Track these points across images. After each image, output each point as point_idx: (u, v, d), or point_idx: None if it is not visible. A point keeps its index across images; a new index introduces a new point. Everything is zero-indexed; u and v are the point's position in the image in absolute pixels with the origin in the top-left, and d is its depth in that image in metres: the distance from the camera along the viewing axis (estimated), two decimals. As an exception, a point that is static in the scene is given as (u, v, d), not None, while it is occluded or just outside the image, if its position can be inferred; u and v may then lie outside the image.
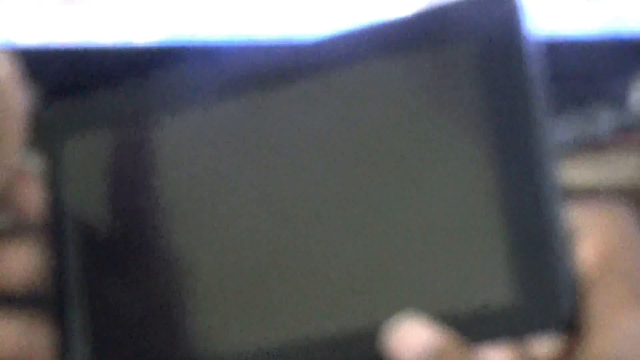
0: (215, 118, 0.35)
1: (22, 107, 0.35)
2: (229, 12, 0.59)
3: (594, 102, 0.34)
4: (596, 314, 0.32)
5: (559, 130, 0.34)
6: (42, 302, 0.38)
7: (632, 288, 0.32)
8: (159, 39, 0.55)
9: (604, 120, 0.34)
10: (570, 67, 0.62)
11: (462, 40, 0.32)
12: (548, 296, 0.31)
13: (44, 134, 0.38)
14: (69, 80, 0.48)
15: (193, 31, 0.58)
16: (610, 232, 0.33)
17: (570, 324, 0.31)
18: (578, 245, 0.32)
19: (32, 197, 0.37)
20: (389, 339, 0.32)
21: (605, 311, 0.32)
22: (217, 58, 0.35)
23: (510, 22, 0.32)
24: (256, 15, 0.59)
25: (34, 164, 0.38)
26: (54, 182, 0.37)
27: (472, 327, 0.31)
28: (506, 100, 0.32)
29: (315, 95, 0.34)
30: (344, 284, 0.33)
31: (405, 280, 0.32)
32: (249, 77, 0.35)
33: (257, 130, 0.35)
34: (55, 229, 0.37)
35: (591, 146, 0.65)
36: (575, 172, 0.65)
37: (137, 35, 0.57)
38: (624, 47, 0.60)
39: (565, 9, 0.59)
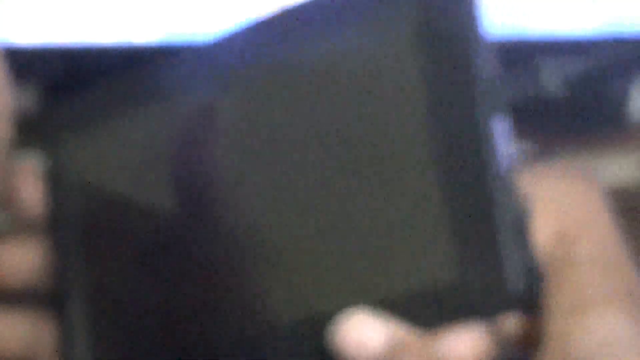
0: (211, 108, 0.35)
1: (9, 104, 0.35)
2: (228, 12, 0.59)
3: (537, 59, 0.32)
4: (554, 317, 0.29)
5: (503, 91, 0.31)
6: (46, 300, 0.38)
7: (595, 277, 0.28)
8: (159, 39, 0.55)
9: (549, 76, 0.32)
10: (570, 67, 0.62)
11: (402, 11, 0.31)
12: (496, 274, 0.29)
13: (44, 131, 0.38)
14: (69, 80, 0.48)
15: (193, 31, 0.58)
16: (568, 210, 0.29)
17: (528, 303, 0.29)
18: (534, 225, 0.29)
19: (32, 195, 0.37)
20: (337, 340, 0.31)
21: (563, 314, 0.28)
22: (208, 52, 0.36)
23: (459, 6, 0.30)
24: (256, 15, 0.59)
25: (34, 163, 0.38)
26: (56, 179, 0.37)
27: (422, 309, 0.30)
28: (448, 70, 0.30)
29: (260, 87, 0.34)
30: (284, 273, 0.32)
31: (351, 265, 0.31)
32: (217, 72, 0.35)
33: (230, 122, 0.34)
34: (57, 226, 0.37)
35: (591, 146, 0.65)
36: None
37: (136, 35, 0.57)
38: (624, 47, 0.60)
39: (565, 9, 0.59)
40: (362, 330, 0.30)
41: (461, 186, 0.30)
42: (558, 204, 0.29)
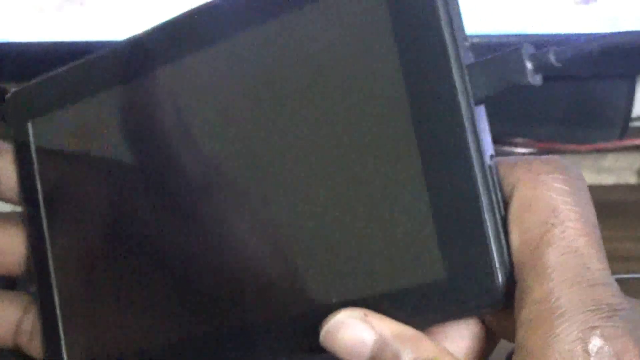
0: (171, 83, 0.35)
1: None
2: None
3: (517, 48, 0.30)
4: (520, 327, 0.28)
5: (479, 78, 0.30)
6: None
7: (561, 288, 0.27)
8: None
9: (527, 66, 0.30)
10: (570, 67, 0.62)
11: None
12: (478, 271, 0.29)
13: (11, 117, 0.38)
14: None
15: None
16: (541, 210, 0.28)
17: (507, 298, 0.29)
18: (507, 222, 0.29)
19: (8, 175, 0.37)
20: (329, 342, 0.30)
21: (528, 325, 0.28)
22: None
23: None
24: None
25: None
26: (24, 163, 0.37)
27: (411, 306, 0.30)
28: (422, 52, 0.30)
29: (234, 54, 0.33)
30: (272, 267, 0.32)
31: (338, 261, 0.31)
32: (187, 42, 0.34)
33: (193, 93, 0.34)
34: (29, 210, 0.37)
35: (591, 146, 0.65)
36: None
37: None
38: (624, 47, 0.60)
39: (565, 9, 0.59)
40: (353, 330, 0.30)
41: (446, 180, 0.29)
42: (530, 202, 0.29)
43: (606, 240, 0.29)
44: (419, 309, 0.30)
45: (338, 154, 0.31)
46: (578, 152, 0.66)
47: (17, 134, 0.38)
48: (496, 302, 0.29)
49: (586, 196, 0.29)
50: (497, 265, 0.28)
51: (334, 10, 0.31)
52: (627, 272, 0.48)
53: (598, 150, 0.66)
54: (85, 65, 0.36)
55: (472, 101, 0.29)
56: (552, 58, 0.30)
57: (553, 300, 0.27)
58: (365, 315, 0.30)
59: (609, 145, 0.65)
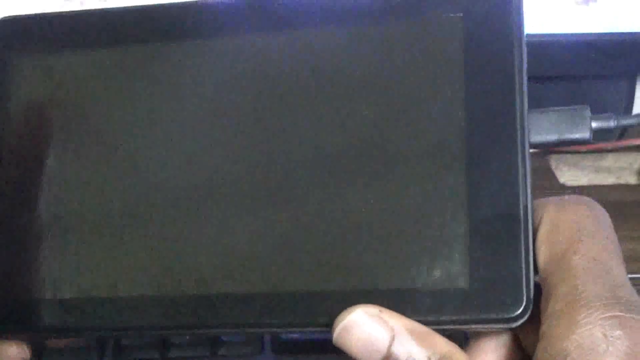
0: (162, 56, 0.35)
1: None
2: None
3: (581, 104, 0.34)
4: (545, 319, 0.30)
5: (541, 125, 0.33)
6: None
7: (585, 284, 0.29)
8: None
9: (588, 125, 0.34)
10: (570, 67, 0.62)
11: (450, 12, 0.32)
12: (505, 283, 0.30)
13: None
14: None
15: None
16: (565, 229, 0.31)
17: (529, 313, 0.30)
18: (535, 240, 0.31)
19: None
20: (341, 337, 0.31)
21: (552, 316, 0.29)
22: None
23: (504, 9, 0.32)
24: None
25: None
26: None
27: (430, 308, 0.31)
28: (487, 80, 0.31)
29: (294, 48, 0.34)
30: (299, 252, 0.32)
31: (363, 254, 0.32)
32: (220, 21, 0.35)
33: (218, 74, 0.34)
34: None
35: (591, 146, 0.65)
36: (575, 172, 0.65)
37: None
38: (624, 47, 0.60)
39: (565, 9, 0.59)
40: (368, 327, 0.30)
41: (488, 186, 0.31)
42: (558, 223, 0.31)
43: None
44: (440, 311, 0.30)
45: (395, 160, 0.32)
46: (578, 152, 0.66)
47: None
48: (521, 314, 0.30)
49: (608, 222, 0.31)
50: (525, 279, 0.30)
51: (414, 32, 0.33)
52: (627, 272, 0.48)
53: (598, 151, 0.66)
54: (96, 15, 0.36)
55: (528, 145, 0.31)
56: (612, 123, 0.33)
57: (577, 293, 0.29)
58: (380, 312, 0.30)
59: (609, 145, 0.65)
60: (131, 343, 0.49)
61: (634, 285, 0.30)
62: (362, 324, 0.30)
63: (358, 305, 0.31)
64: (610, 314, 0.28)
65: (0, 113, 0.37)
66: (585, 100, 0.60)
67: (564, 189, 0.62)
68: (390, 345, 0.30)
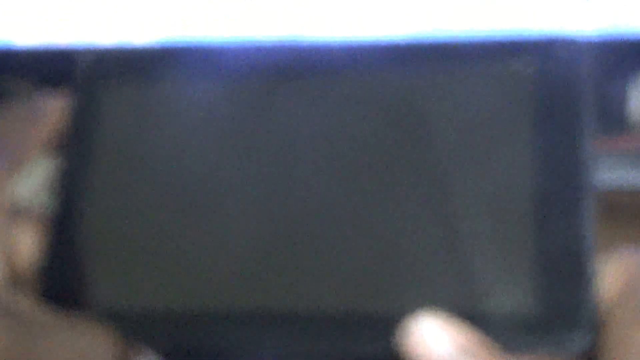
0: (236, 100, 0.36)
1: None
2: (228, 13, 0.59)
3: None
4: (612, 329, 0.30)
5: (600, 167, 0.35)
6: None
7: None
8: (158, 39, 0.55)
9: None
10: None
11: (523, 65, 0.34)
12: (573, 310, 0.30)
13: (82, 77, 0.39)
14: (68, 80, 0.48)
15: (192, 32, 0.58)
16: (634, 265, 0.31)
17: (591, 343, 0.30)
18: (602, 270, 0.31)
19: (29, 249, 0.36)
20: (407, 339, 0.31)
21: (621, 326, 0.30)
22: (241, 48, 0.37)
23: (574, 67, 0.34)
24: (256, 16, 0.59)
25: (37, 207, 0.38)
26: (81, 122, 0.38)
27: (492, 332, 0.31)
28: (557, 122, 0.33)
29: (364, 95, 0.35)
30: (366, 270, 0.33)
31: (429, 273, 0.32)
32: (281, 66, 0.36)
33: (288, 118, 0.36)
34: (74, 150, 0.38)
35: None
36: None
37: (136, 35, 0.57)
38: (624, 47, 0.60)
39: (565, 9, 0.59)
40: (431, 338, 0.30)
41: (554, 214, 0.32)
42: (626, 261, 0.31)
43: (606, 240, 0.32)
44: (502, 336, 0.31)
45: (470, 193, 0.33)
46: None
47: (83, 92, 0.38)
48: (585, 344, 0.30)
49: None
50: (591, 307, 0.31)
51: (490, 75, 0.34)
52: None
53: (598, 149, 0.66)
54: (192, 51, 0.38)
55: (594, 188, 0.32)
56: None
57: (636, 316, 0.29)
58: (444, 323, 0.31)
59: (608, 143, 0.65)
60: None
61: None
62: (425, 335, 0.31)
63: (422, 315, 0.31)
64: None
65: (96, 141, 0.37)
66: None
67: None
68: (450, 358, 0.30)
